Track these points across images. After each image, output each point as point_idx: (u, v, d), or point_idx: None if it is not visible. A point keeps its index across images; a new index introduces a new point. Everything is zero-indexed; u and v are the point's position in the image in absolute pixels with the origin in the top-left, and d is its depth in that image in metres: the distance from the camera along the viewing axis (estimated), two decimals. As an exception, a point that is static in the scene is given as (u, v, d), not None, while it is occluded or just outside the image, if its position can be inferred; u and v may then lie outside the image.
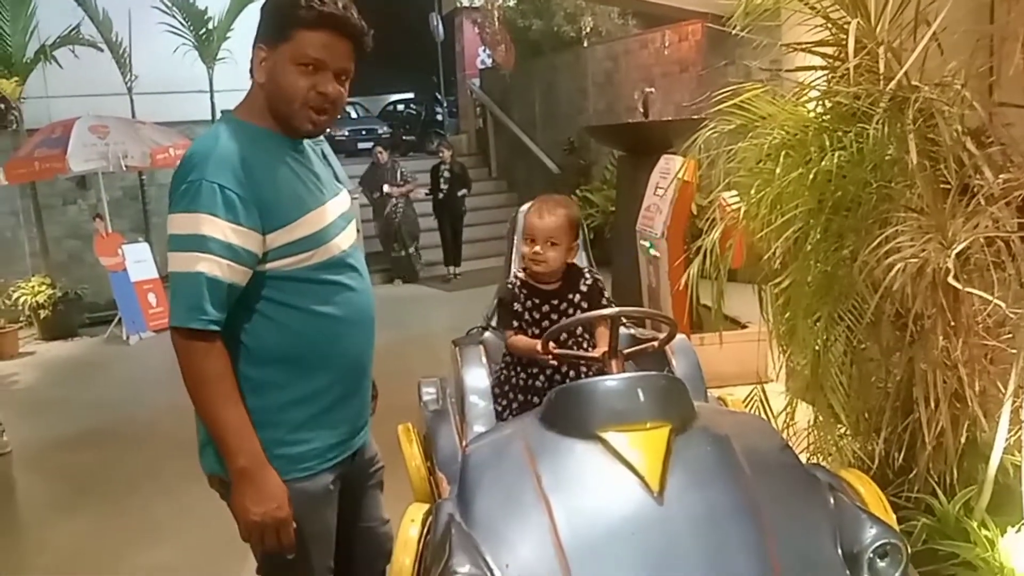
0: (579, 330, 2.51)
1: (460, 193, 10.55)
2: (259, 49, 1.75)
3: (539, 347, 2.30)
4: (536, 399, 2.48)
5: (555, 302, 2.49)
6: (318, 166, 1.93)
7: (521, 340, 2.45)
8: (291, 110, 1.77)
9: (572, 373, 2.48)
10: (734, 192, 2.88)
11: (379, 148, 11.03)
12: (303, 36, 1.72)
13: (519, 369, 2.54)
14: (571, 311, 2.49)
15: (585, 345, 2.51)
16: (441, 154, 10.83)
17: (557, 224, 2.42)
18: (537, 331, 2.45)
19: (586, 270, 2.58)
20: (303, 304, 1.80)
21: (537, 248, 2.43)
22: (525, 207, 3.19)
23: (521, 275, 2.55)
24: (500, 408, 2.56)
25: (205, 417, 1.73)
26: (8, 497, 4.67)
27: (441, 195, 10.52)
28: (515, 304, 2.48)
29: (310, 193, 1.83)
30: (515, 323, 2.48)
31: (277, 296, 1.77)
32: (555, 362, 2.44)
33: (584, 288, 2.52)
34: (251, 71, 1.82)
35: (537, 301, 2.49)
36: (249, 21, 2.01)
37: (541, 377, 2.50)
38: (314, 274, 1.80)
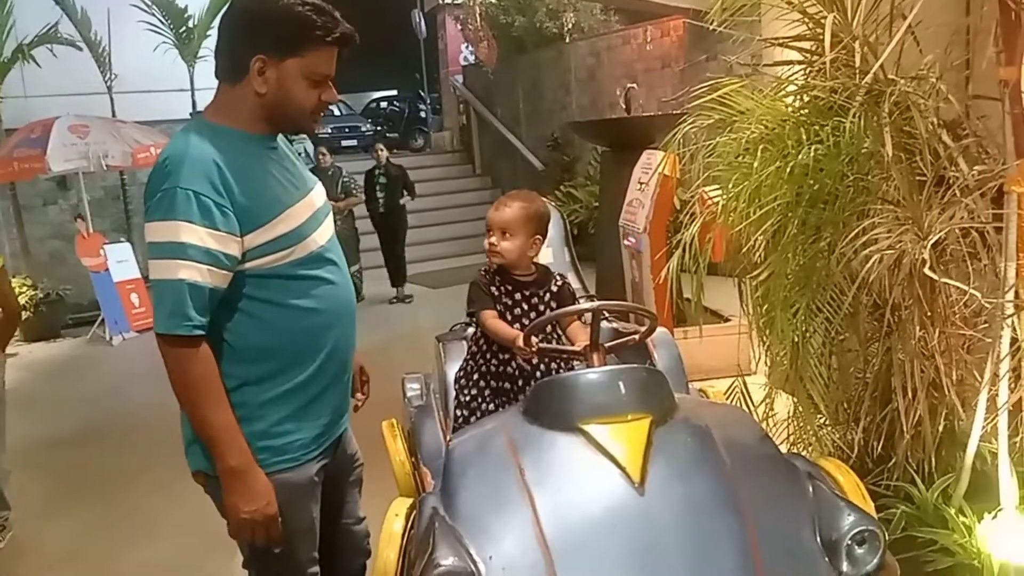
0: (550, 327, 2.51)
1: (402, 202, 9.06)
2: (259, 60, 1.74)
3: (520, 341, 2.30)
4: (508, 384, 2.48)
5: (527, 292, 2.49)
6: (293, 163, 1.94)
7: (501, 326, 2.42)
8: (300, 119, 1.84)
9: (545, 363, 2.48)
10: (715, 186, 2.90)
11: (322, 149, 9.26)
12: (315, 53, 1.77)
13: (490, 356, 2.51)
14: (541, 306, 2.49)
15: (556, 343, 2.52)
16: (376, 155, 9.16)
17: (511, 216, 2.43)
18: (509, 317, 2.45)
19: (558, 275, 2.58)
20: (284, 300, 1.81)
21: (492, 239, 2.44)
22: (504, 204, 3.20)
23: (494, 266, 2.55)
24: (469, 398, 2.53)
25: (193, 419, 1.75)
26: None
27: (378, 205, 8.96)
28: (491, 287, 2.48)
29: (286, 191, 1.84)
30: (498, 307, 2.46)
31: (258, 294, 1.79)
32: (534, 358, 2.43)
33: (555, 288, 2.53)
34: (224, 74, 1.81)
35: (510, 288, 2.48)
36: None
37: (513, 363, 2.49)
38: (294, 270, 1.82)
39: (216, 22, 9.87)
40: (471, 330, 3.03)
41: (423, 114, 20.07)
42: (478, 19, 12.99)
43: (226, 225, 1.70)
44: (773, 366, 2.95)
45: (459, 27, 14.47)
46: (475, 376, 2.53)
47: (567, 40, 11.96)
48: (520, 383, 2.47)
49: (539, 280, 2.53)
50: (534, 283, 2.51)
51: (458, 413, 2.54)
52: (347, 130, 18.80)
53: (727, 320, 5.22)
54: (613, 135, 6.56)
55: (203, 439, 1.75)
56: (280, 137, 1.93)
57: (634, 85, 6.75)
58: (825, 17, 2.40)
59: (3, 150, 8.32)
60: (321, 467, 1.95)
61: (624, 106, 6.38)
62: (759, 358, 2.95)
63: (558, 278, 2.56)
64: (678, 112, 4.66)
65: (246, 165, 1.76)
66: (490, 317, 2.45)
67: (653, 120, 6.23)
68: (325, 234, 1.92)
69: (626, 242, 5.37)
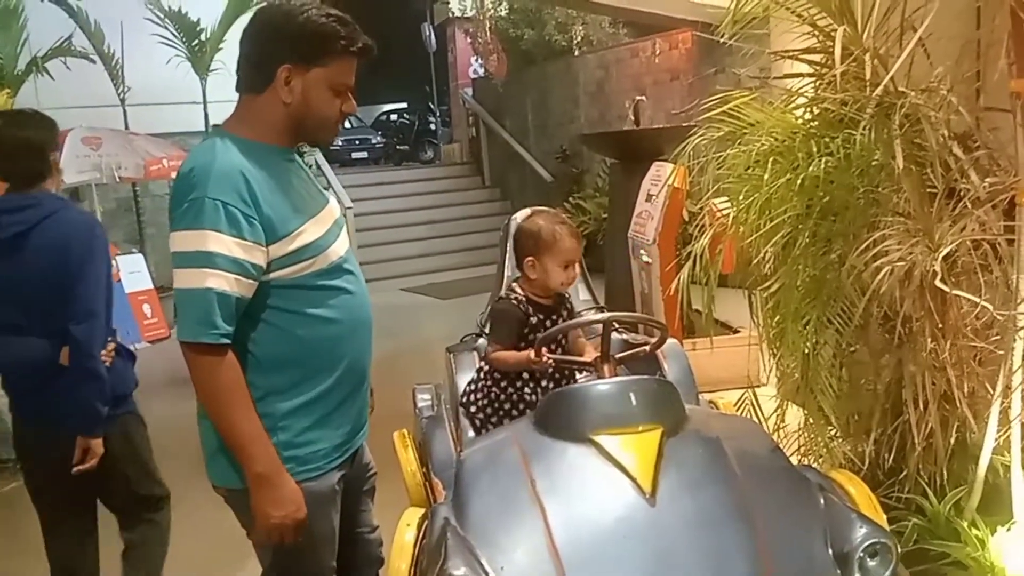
0: (563, 342, 2.55)
1: None
2: (285, 69, 1.76)
3: (532, 354, 2.32)
4: (518, 410, 2.50)
5: (554, 317, 2.54)
6: (309, 175, 1.97)
7: (509, 355, 2.45)
8: (322, 128, 1.87)
9: (564, 383, 2.49)
10: (724, 198, 2.91)
11: None
12: (339, 64, 1.80)
13: (506, 384, 2.53)
14: None
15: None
16: None
17: (579, 244, 2.51)
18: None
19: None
20: (306, 310, 1.83)
21: (575, 271, 2.49)
22: (519, 215, 3.21)
23: (520, 292, 2.55)
24: (483, 418, 2.56)
25: (220, 428, 1.76)
26: (10, 505, 4.64)
27: None
28: (529, 319, 2.49)
29: (306, 203, 1.86)
30: (530, 336, 2.47)
31: (281, 304, 1.80)
32: (550, 368, 2.44)
33: (568, 306, 2.60)
34: (248, 85, 1.83)
35: (541, 316, 2.52)
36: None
37: (527, 389, 2.51)
38: (314, 280, 1.83)
39: (228, 35, 10.02)
40: (482, 341, 3.04)
41: (433, 126, 20.13)
42: (488, 32, 13.03)
43: (253, 235, 1.71)
44: (783, 378, 2.94)
45: (469, 40, 14.51)
46: (498, 405, 2.54)
47: (576, 53, 11.99)
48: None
49: (558, 301, 2.57)
50: (555, 306, 2.56)
51: (471, 434, 2.56)
52: (357, 142, 18.87)
53: (736, 331, 5.21)
54: (622, 147, 6.57)
55: (231, 447, 1.76)
56: None
57: (643, 97, 6.76)
58: (835, 30, 2.41)
59: (17, 162, 8.37)
60: (341, 476, 1.96)
61: (633, 118, 6.39)
62: (770, 370, 2.95)
63: (567, 294, 2.61)
64: (687, 124, 4.66)
65: (269, 176, 1.78)
66: (499, 351, 2.46)
67: (662, 132, 6.23)
68: (343, 245, 1.94)
69: (635, 254, 5.38)
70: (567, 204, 9.99)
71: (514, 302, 2.51)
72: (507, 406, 2.54)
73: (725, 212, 2.87)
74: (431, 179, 14.30)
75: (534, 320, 2.50)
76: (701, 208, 3.08)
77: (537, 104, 12.69)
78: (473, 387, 2.60)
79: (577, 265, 2.49)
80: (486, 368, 2.57)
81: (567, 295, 2.61)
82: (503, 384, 2.53)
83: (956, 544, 2.41)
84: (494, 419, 2.54)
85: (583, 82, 11.43)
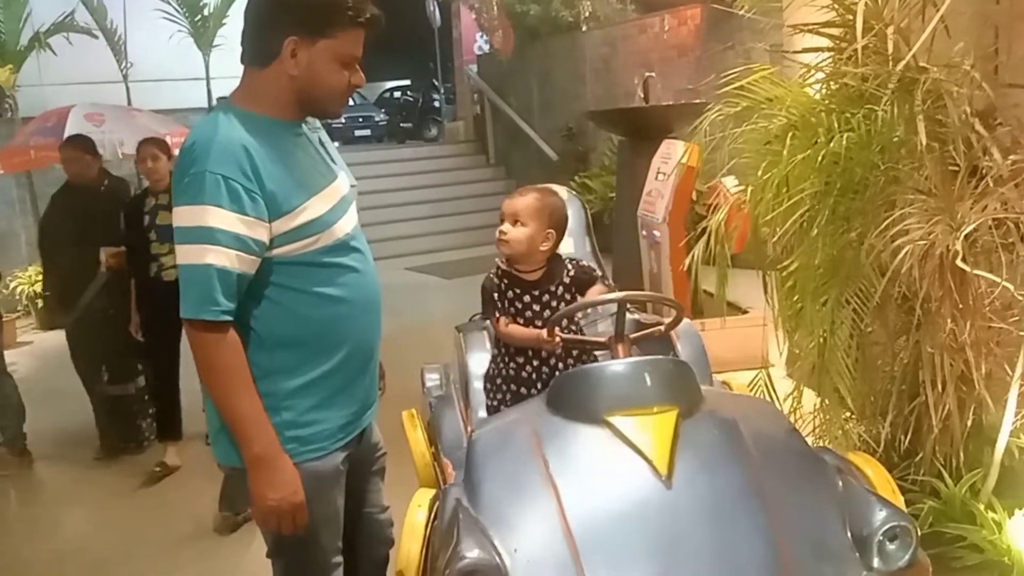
0: (576, 317, 2.48)
1: None
2: (291, 41, 1.72)
3: (545, 334, 2.27)
4: (526, 390, 2.42)
5: (536, 292, 2.42)
6: (316, 150, 1.92)
7: (517, 330, 2.39)
8: (329, 101, 1.83)
9: (569, 361, 2.44)
10: (732, 176, 2.87)
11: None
12: (346, 35, 1.75)
13: (508, 360, 2.47)
14: (553, 303, 2.42)
15: (579, 333, 2.49)
16: (145, 166, 4.52)
17: (524, 205, 2.37)
18: (521, 322, 2.40)
19: (568, 260, 2.50)
20: (310, 288, 1.80)
21: (503, 227, 2.38)
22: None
23: (504, 264, 2.48)
24: (495, 403, 2.49)
25: (220, 406, 1.74)
26: (15, 485, 4.66)
27: (151, 269, 4.24)
28: (495, 293, 2.43)
29: (311, 178, 1.83)
30: (495, 313, 2.43)
31: (284, 281, 1.77)
32: (559, 349, 2.39)
33: (567, 279, 2.44)
34: (253, 58, 1.79)
35: (518, 291, 2.42)
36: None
37: (528, 368, 2.43)
38: (320, 258, 1.80)
39: (231, 10, 9.92)
40: (490, 321, 3.00)
41: (436, 104, 20.03)
42: (493, 8, 12.92)
43: (255, 211, 1.68)
44: (796, 359, 2.91)
45: (474, 16, 14.38)
46: (498, 381, 2.49)
47: (583, 29, 11.88)
48: (540, 387, 2.40)
49: (546, 277, 2.44)
50: (544, 279, 2.43)
51: (482, 414, 2.51)
52: (361, 120, 18.80)
53: (745, 312, 5.18)
54: (632, 124, 6.49)
55: (229, 426, 1.74)
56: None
57: (652, 74, 6.69)
58: (856, 3, 2.36)
59: (19, 139, 8.32)
60: (347, 456, 1.94)
61: (642, 95, 6.32)
62: (783, 351, 2.92)
63: (570, 267, 2.46)
64: (699, 101, 4.60)
65: (273, 151, 1.74)
66: (503, 324, 2.41)
67: (672, 109, 6.16)
68: (351, 222, 1.90)
69: (644, 232, 5.33)
70: (573, 183, 9.93)
71: (491, 273, 2.47)
72: (524, 388, 2.45)
73: (736, 191, 2.83)
74: (435, 157, 14.22)
75: (509, 294, 2.42)
76: (709, 187, 3.04)
77: (542, 81, 12.59)
78: (493, 365, 2.54)
79: (513, 225, 2.33)
80: (503, 347, 2.50)
81: (567, 269, 2.45)
82: (520, 361, 2.45)
83: (972, 527, 2.39)
84: (510, 399, 2.47)
85: (589, 59, 11.33)
